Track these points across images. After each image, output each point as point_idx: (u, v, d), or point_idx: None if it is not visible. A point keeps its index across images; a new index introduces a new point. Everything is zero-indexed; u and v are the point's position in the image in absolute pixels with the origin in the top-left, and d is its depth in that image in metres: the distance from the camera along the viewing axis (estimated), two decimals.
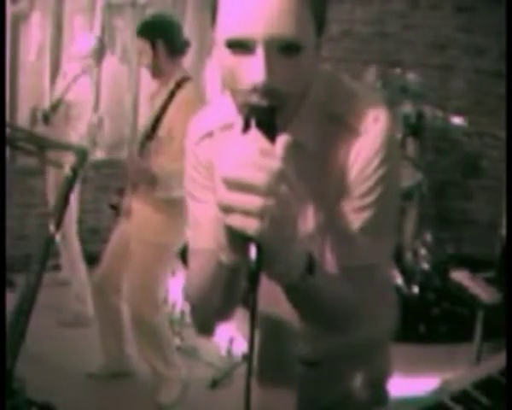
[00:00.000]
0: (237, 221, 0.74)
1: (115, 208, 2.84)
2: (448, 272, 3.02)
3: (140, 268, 2.71)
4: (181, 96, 2.59)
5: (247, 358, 0.80)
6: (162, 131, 2.60)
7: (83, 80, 3.47)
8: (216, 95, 3.96)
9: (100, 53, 3.55)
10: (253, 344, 0.81)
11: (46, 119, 3.45)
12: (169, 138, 2.54)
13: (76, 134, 3.46)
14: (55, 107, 3.45)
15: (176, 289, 3.39)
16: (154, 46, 2.60)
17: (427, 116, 4.03)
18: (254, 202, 0.73)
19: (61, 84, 3.52)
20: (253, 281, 0.78)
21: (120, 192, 2.85)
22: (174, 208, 2.59)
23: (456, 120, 4.01)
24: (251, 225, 0.74)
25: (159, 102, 2.66)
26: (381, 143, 0.95)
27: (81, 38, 3.64)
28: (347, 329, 1.04)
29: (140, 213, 2.69)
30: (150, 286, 2.74)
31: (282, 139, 0.77)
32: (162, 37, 2.60)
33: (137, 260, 2.70)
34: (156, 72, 2.66)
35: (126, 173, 2.74)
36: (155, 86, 2.76)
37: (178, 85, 2.61)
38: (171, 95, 2.60)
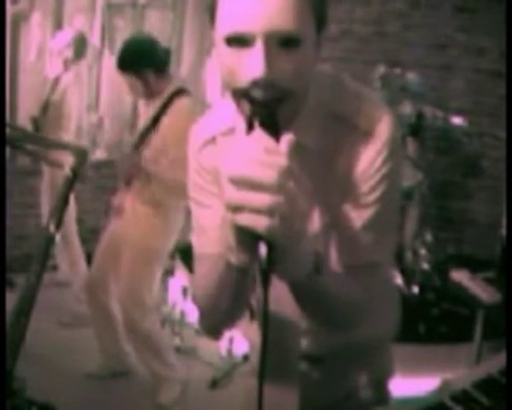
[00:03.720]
0: (247, 220, 0.74)
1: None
2: (448, 272, 3.01)
3: (128, 271, 2.70)
4: (175, 107, 2.54)
5: (261, 356, 0.80)
6: (156, 142, 2.57)
7: (66, 78, 3.44)
8: (216, 95, 3.96)
9: (80, 46, 3.48)
10: (266, 343, 0.81)
11: (36, 125, 3.41)
12: (163, 149, 2.51)
13: (66, 134, 3.45)
14: (43, 110, 3.42)
15: (176, 289, 3.39)
16: (141, 76, 2.51)
17: (427, 116, 4.03)
18: (263, 199, 0.73)
19: (46, 86, 3.51)
20: (265, 280, 0.78)
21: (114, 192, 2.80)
22: (166, 212, 2.63)
23: (456, 120, 4.01)
24: (261, 223, 0.74)
25: (151, 112, 2.60)
26: (384, 143, 0.95)
27: (59, 33, 3.62)
28: (350, 326, 1.05)
29: (132, 215, 2.67)
30: (138, 290, 2.71)
31: (287, 137, 0.77)
32: (148, 65, 2.51)
33: (126, 263, 2.70)
34: (149, 95, 2.59)
35: (119, 170, 2.69)
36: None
37: (172, 97, 2.55)
38: (164, 106, 2.55)
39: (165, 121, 2.55)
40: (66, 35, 3.49)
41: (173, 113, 2.55)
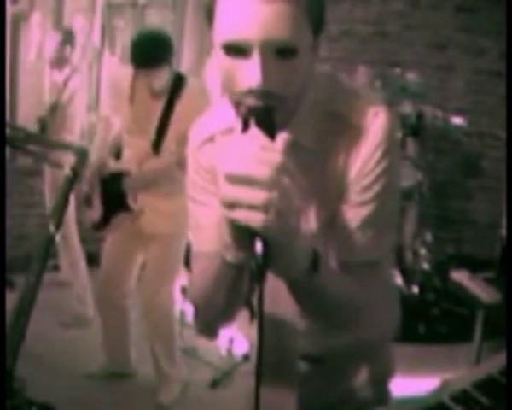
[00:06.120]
0: (242, 215, 0.75)
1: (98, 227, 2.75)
2: (448, 272, 3.01)
3: (160, 261, 2.70)
4: (186, 90, 2.51)
5: (257, 353, 0.81)
6: (176, 128, 2.47)
7: (74, 80, 3.44)
8: (216, 95, 3.96)
9: (69, 40, 3.48)
10: (262, 340, 0.81)
11: (43, 125, 3.41)
12: (187, 130, 2.48)
13: (70, 135, 3.45)
14: (52, 112, 3.42)
15: (176, 289, 3.38)
16: (157, 72, 2.44)
17: (427, 116, 4.03)
18: (258, 195, 0.74)
19: (53, 88, 3.51)
20: (260, 276, 0.78)
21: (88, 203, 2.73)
22: (181, 197, 2.59)
23: (456, 120, 4.01)
24: (256, 219, 0.75)
25: (159, 106, 2.54)
26: (380, 139, 0.96)
27: (47, 41, 3.62)
28: (350, 326, 1.05)
29: (150, 208, 2.63)
30: (170, 278, 2.75)
31: (282, 136, 0.78)
32: (168, 61, 2.46)
33: (157, 254, 2.70)
34: (155, 95, 2.54)
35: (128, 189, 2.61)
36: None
37: (176, 83, 2.51)
38: (171, 94, 2.51)
39: (180, 106, 2.49)
40: (53, 38, 3.50)
41: (185, 95, 2.50)
